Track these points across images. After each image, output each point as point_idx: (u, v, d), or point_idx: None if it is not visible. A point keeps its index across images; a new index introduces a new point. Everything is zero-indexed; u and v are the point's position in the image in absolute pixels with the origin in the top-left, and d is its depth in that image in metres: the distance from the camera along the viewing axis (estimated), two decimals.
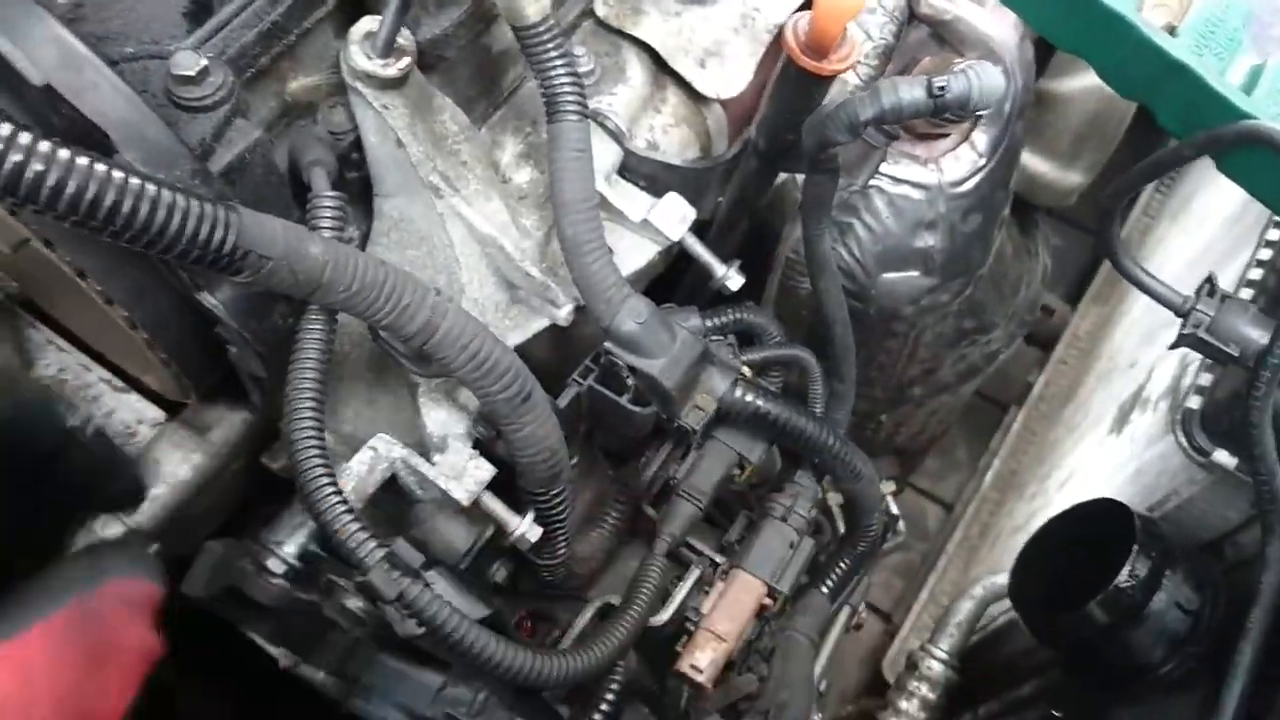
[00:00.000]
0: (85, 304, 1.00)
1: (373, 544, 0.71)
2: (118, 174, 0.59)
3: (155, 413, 0.95)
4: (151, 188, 0.60)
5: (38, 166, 0.56)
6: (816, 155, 0.79)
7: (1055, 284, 2.57)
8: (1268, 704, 0.63)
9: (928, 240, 0.98)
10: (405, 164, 0.85)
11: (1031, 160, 1.22)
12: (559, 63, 0.86)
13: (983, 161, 0.96)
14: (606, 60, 1.04)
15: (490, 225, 0.88)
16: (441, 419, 0.87)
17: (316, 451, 0.73)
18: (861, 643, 2.23)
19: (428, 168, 0.85)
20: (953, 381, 1.32)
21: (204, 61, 0.70)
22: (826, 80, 0.80)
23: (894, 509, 1.54)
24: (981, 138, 0.96)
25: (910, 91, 0.71)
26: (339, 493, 0.72)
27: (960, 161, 0.96)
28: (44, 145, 0.56)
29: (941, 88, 0.70)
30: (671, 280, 1.11)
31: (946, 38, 0.95)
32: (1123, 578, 0.84)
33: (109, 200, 0.58)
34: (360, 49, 0.80)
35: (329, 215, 0.78)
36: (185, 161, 0.68)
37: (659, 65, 1.06)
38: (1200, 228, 1.87)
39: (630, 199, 0.96)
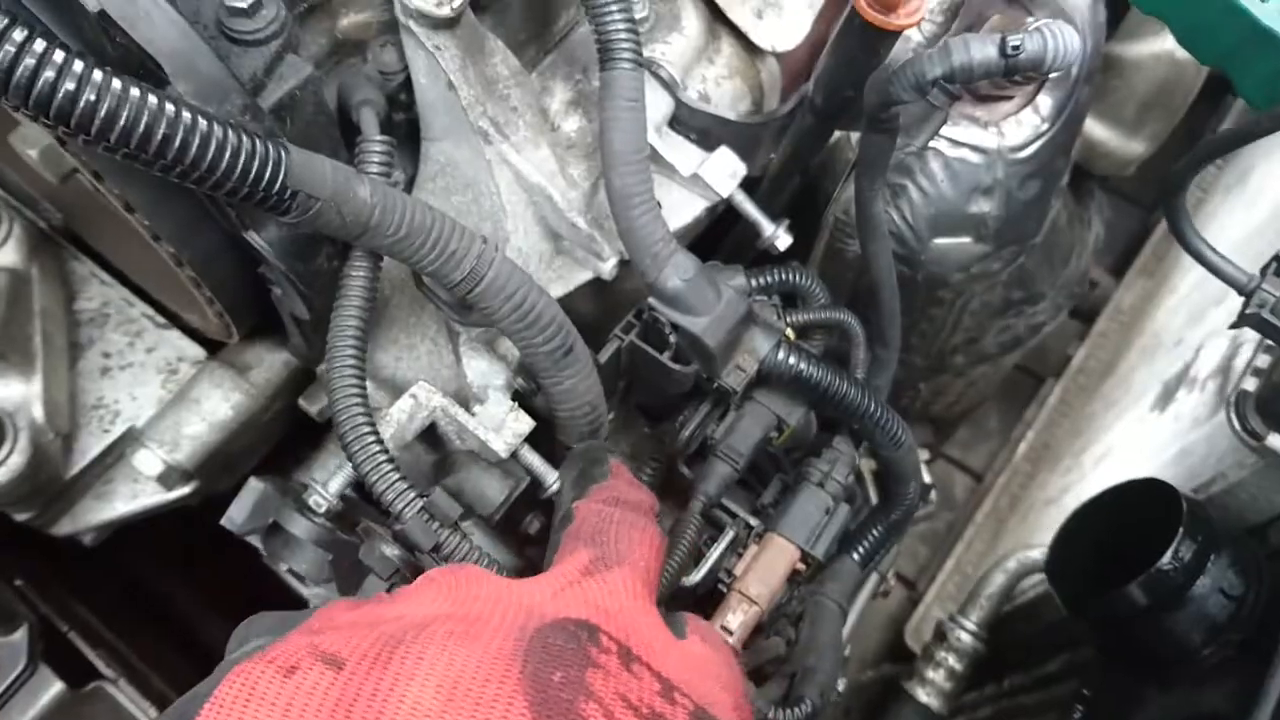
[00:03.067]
0: (130, 239, 0.99)
1: (411, 494, 0.70)
2: (170, 107, 0.57)
3: (196, 350, 0.95)
4: (203, 122, 0.59)
5: (90, 96, 0.55)
6: (877, 114, 0.77)
7: (1100, 256, 2.52)
8: None
9: (983, 206, 0.96)
10: (455, 107, 0.83)
11: (1093, 127, 1.18)
12: (615, 8, 0.84)
13: (1045, 127, 0.92)
14: (661, 7, 1.01)
15: (538, 173, 0.86)
16: (482, 369, 0.86)
17: (357, 398, 0.72)
18: (883, 609, 2.23)
19: (478, 112, 0.83)
20: (995, 352, 1.29)
21: None
22: (892, 35, 0.78)
23: (927, 477, 1.53)
24: (1046, 102, 0.92)
25: (982, 50, 0.68)
26: (379, 440, 0.71)
27: (1022, 126, 0.93)
28: (97, 74, 0.55)
29: (1016, 47, 0.67)
30: (714, 236, 1.10)
31: None
32: (1166, 560, 0.82)
33: (160, 133, 0.57)
34: None
35: (378, 158, 0.77)
36: (236, 96, 0.67)
37: (714, 14, 1.04)
38: (1256, 204, 1.81)
39: (681, 152, 0.93)
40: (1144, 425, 1.46)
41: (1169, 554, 0.82)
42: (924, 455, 1.54)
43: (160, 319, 0.96)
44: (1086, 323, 2.46)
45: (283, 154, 0.63)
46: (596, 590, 0.52)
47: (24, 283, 0.87)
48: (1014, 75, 0.69)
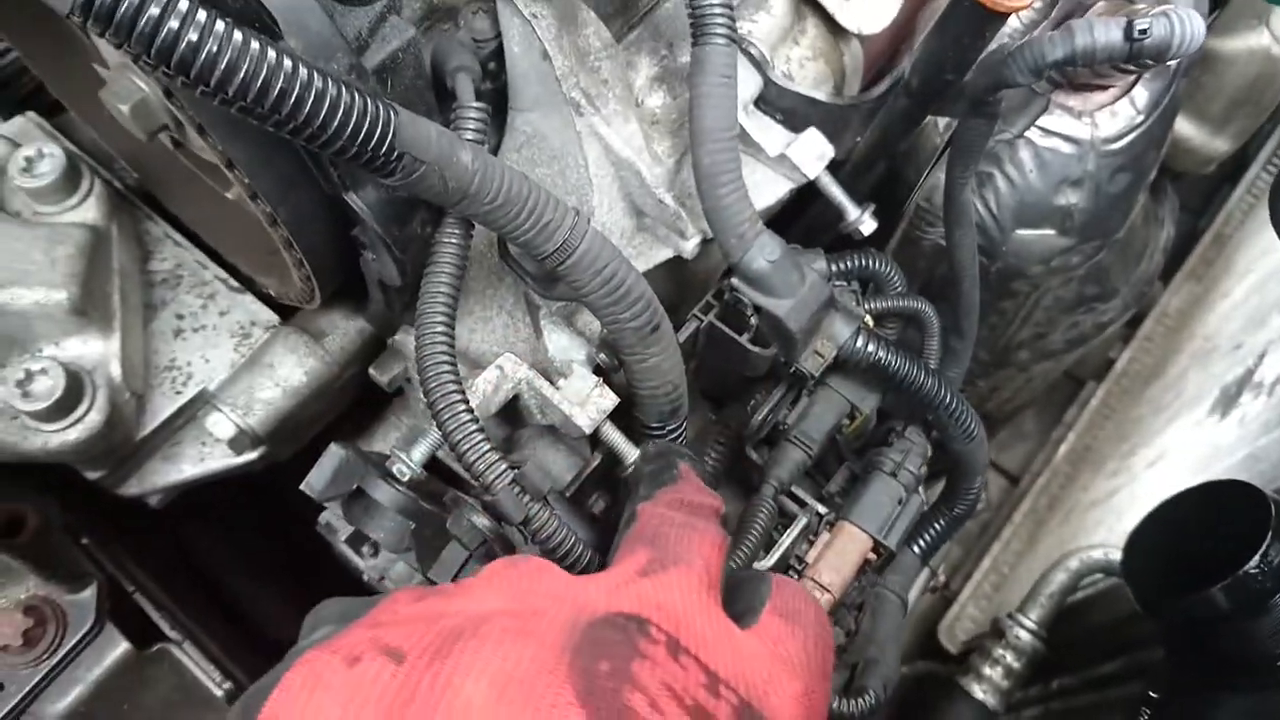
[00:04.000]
0: (206, 200, 0.99)
1: (503, 465, 0.69)
2: (288, 62, 0.56)
3: (269, 315, 0.94)
4: (319, 79, 0.58)
5: (212, 47, 0.54)
6: (984, 97, 0.75)
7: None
8: None
9: (1070, 198, 0.94)
10: (548, 77, 0.82)
11: (1179, 123, 1.16)
12: None
13: (1140, 119, 0.91)
14: None
15: (627, 148, 0.85)
16: (563, 344, 0.85)
17: (448, 366, 0.71)
18: (915, 606, 2.22)
19: (571, 83, 0.82)
20: (1060, 349, 1.28)
21: None
22: (1001, 18, 0.76)
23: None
24: (1142, 94, 0.90)
25: (1107, 33, 0.67)
26: (470, 409, 0.70)
27: (1117, 117, 0.91)
28: (220, 25, 0.54)
29: (1144, 31, 0.65)
30: (788, 217, 1.08)
31: None
32: (1254, 564, 0.81)
33: (278, 88, 0.56)
34: None
35: (474, 125, 0.76)
36: (343, 55, 0.66)
37: None
38: None
39: (768, 132, 0.92)
40: (1202, 430, 1.44)
41: (1257, 557, 0.81)
42: None
43: (234, 282, 0.95)
44: (1130, 327, 2.44)
45: (392, 115, 0.62)
46: (650, 587, 0.52)
47: (104, 240, 0.86)
48: (1138, 60, 0.67)
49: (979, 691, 1.14)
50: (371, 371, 0.95)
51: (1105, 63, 0.68)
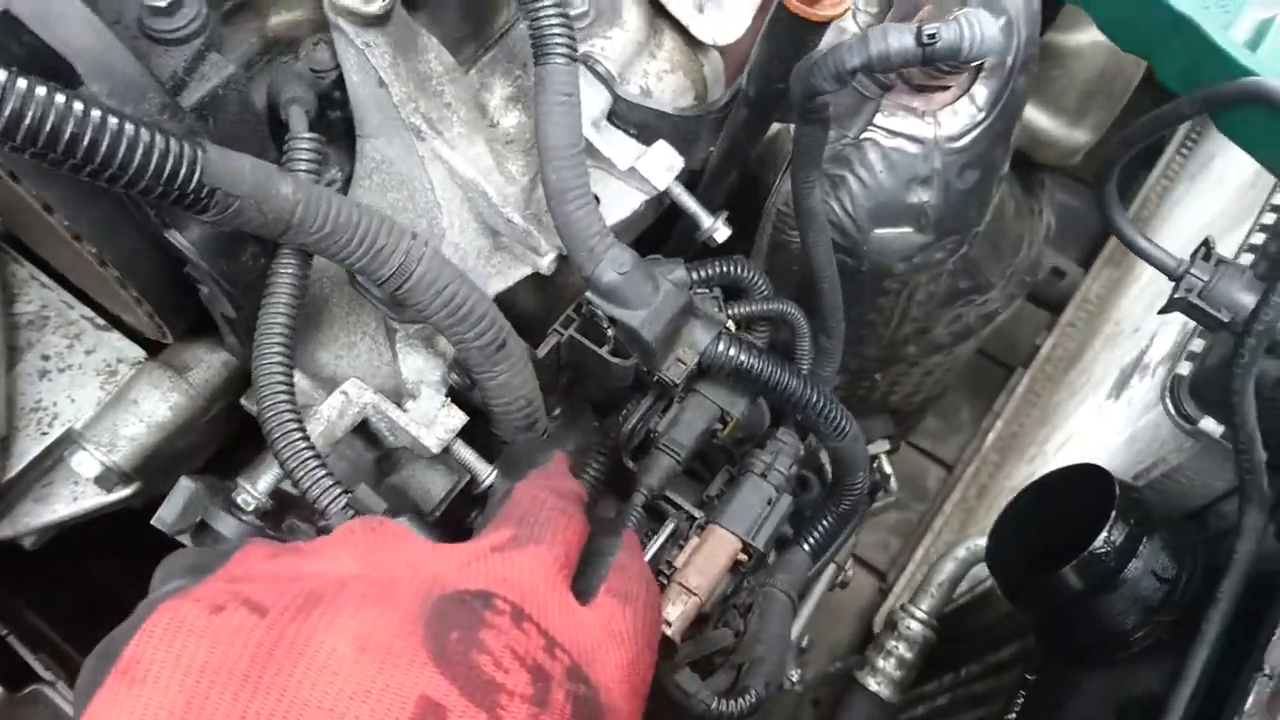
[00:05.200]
0: (63, 240, 0.99)
1: (337, 490, 0.70)
2: (78, 105, 0.57)
3: (136, 351, 0.95)
4: (114, 120, 0.59)
5: None
6: (805, 104, 0.77)
7: (1068, 246, 2.54)
8: (1234, 675, 0.63)
9: (921, 196, 0.96)
10: (387, 104, 0.83)
11: (1036, 116, 1.19)
12: (549, 3, 0.84)
13: (982, 116, 0.93)
14: (602, 2, 1.01)
15: (473, 169, 0.87)
16: (418, 365, 0.87)
17: (283, 395, 0.72)
18: (854, 599, 2.24)
19: (409, 109, 0.83)
20: (947, 342, 1.30)
21: None
22: (819, 26, 0.78)
23: (886, 468, 1.54)
24: (982, 91, 0.93)
25: (900, 39, 0.69)
26: (305, 437, 0.72)
27: (958, 115, 0.93)
28: (0, 73, 0.55)
29: (931, 36, 0.67)
30: (664, 231, 1.10)
31: None
32: (1099, 543, 0.83)
33: (68, 132, 0.57)
34: None
35: (305, 155, 0.77)
36: (155, 95, 0.67)
37: (656, 9, 1.04)
38: (1218, 190, 1.83)
39: (618, 146, 0.94)
40: (1101, 412, 1.47)
41: (1101, 537, 0.83)
42: (884, 446, 1.55)
43: (100, 321, 0.95)
44: (1055, 313, 2.48)
45: (199, 152, 0.63)
46: (500, 565, 0.57)
47: None
48: (933, 64, 0.69)
49: (873, 684, 1.16)
50: (243, 401, 0.96)
51: (903, 66, 0.70)
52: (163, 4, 0.68)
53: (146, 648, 0.45)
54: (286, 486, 0.76)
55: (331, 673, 0.45)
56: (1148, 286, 1.89)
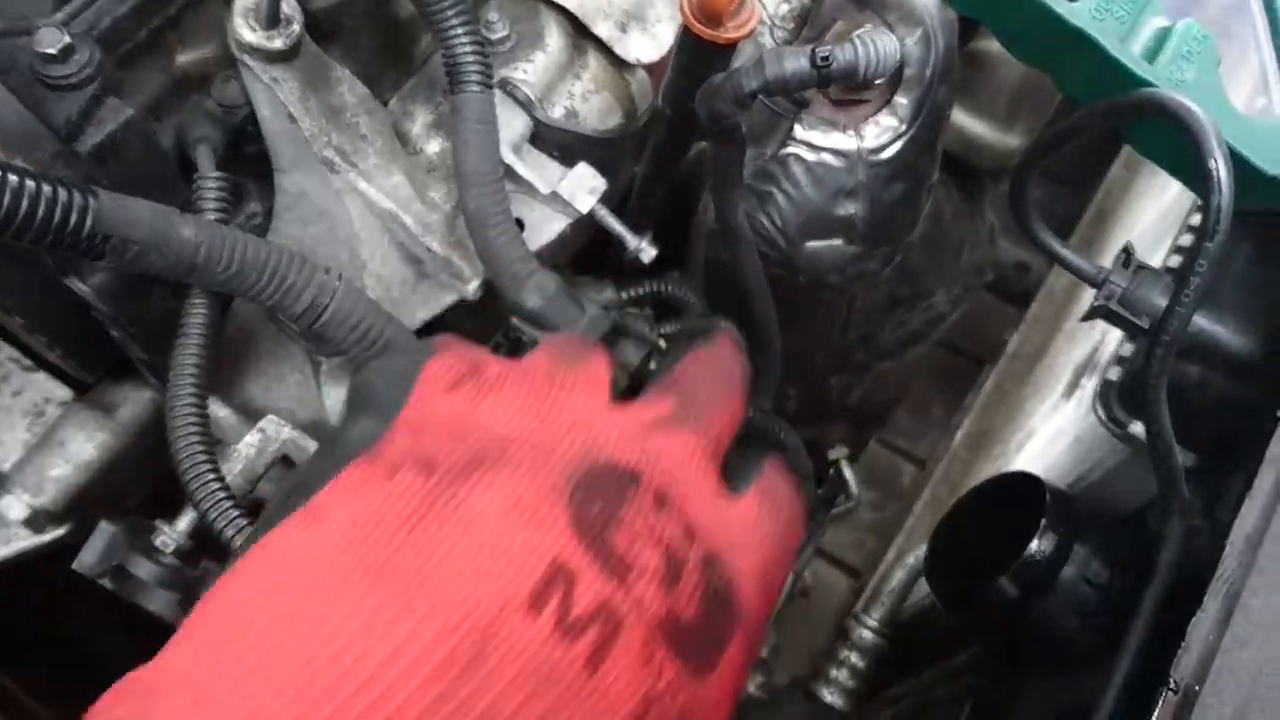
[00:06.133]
0: None
1: (248, 527, 0.70)
2: None
3: (63, 392, 0.94)
4: None
5: None
6: (712, 125, 0.77)
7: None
8: (1157, 680, 0.63)
9: (849, 208, 0.96)
10: (299, 139, 0.83)
11: (968, 122, 1.19)
12: (460, 31, 0.84)
13: (904, 128, 0.93)
14: (523, 26, 1.01)
15: (390, 200, 0.86)
16: (342, 398, 0.86)
17: (197, 436, 0.72)
18: (830, 600, 2.24)
19: (321, 142, 0.83)
20: (895, 348, 1.30)
21: (67, 39, 0.68)
22: (724, 48, 0.78)
23: (846, 473, 1.54)
24: (902, 103, 0.93)
25: (794, 62, 0.69)
26: (219, 477, 0.71)
27: (880, 127, 0.93)
28: None
29: (826, 58, 0.67)
30: (601, 251, 1.10)
31: (865, 0, 0.92)
32: (1031, 549, 0.83)
33: None
34: (245, 21, 0.78)
35: (213, 195, 0.77)
36: (47, 143, 0.67)
37: (579, 30, 1.04)
38: (1167, 189, 1.83)
39: (540, 170, 0.93)
40: (1056, 412, 1.47)
41: (1035, 542, 0.83)
42: (843, 452, 1.55)
43: (26, 362, 0.95)
44: (1021, 308, 2.48)
45: (89, 199, 0.63)
46: (657, 445, 0.59)
47: None
48: (829, 85, 0.69)
49: (827, 694, 1.16)
50: None
51: (801, 88, 0.70)
52: (54, 51, 0.68)
53: (331, 498, 0.52)
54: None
55: (476, 531, 0.50)
56: None
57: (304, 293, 0.74)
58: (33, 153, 0.66)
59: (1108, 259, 1.93)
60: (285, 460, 0.80)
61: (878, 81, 0.81)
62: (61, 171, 0.66)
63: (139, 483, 1.00)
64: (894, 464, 2.55)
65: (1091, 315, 0.82)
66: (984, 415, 2.23)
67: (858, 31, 0.72)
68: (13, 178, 0.59)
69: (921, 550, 1.21)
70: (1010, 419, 2.04)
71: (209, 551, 0.77)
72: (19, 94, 0.67)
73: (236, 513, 0.70)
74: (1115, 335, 1.39)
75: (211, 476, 0.71)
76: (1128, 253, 0.82)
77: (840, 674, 1.16)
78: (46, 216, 0.61)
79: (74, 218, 0.62)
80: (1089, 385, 1.27)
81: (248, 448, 0.79)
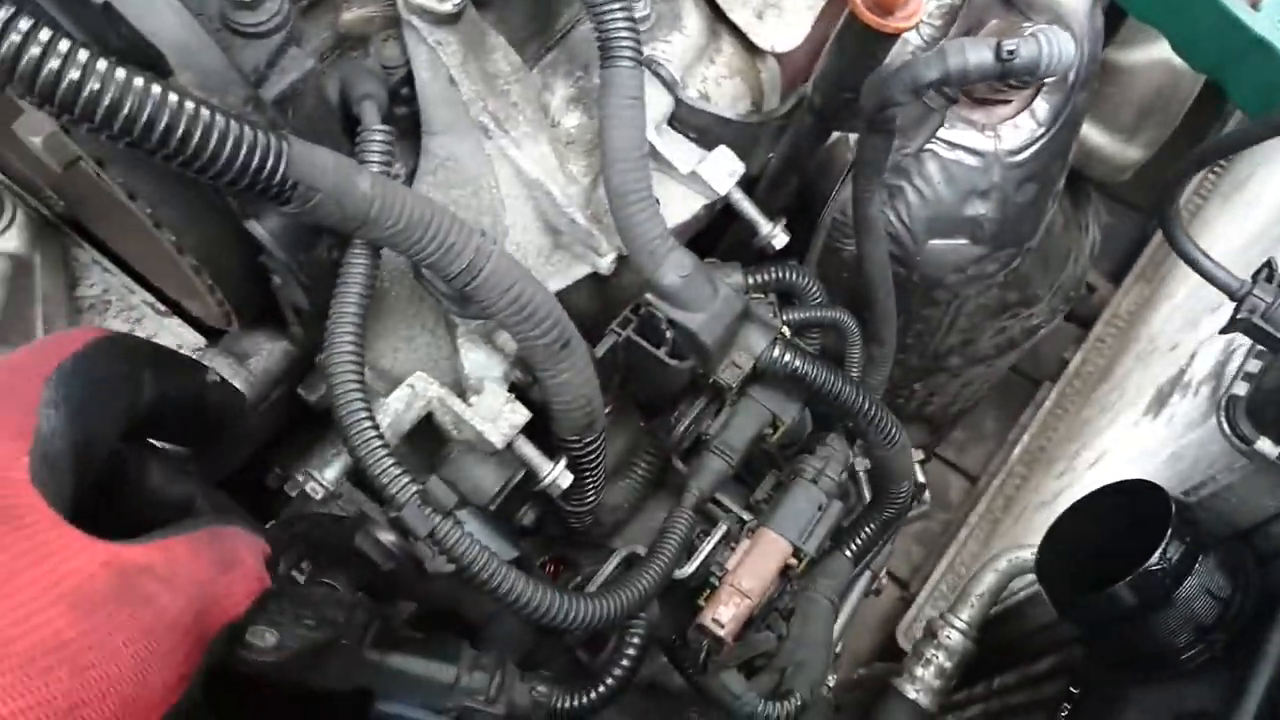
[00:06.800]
0: (131, 226, 1.00)
1: (406, 479, 0.71)
2: (173, 97, 0.58)
3: (195, 338, 0.95)
4: (206, 113, 0.60)
5: (94, 85, 0.55)
6: (875, 115, 0.77)
7: (1099, 261, 2.53)
8: None
9: (979, 209, 0.96)
10: (456, 102, 0.84)
11: (1090, 132, 1.19)
12: (615, 6, 0.85)
13: (1042, 131, 0.93)
14: (663, 7, 1.02)
15: (538, 169, 0.87)
16: (480, 361, 0.87)
17: (355, 386, 0.73)
18: (877, 608, 2.24)
19: (478, 107, 0.84)
20: (990, 354, 1.30)
21: None
22: (889, 38, 0.78)
23: (920, 477, 1.54)
24: (1043, 107, 0.93)
25: (977, 54, 0.69)
26: (375, 428, 0.72)
27: (1019, 130, 0.93)
28: (101, 64, 0.55)
29: (1011, 51, 0.68)
30: (714, 234, 1.10)
31: (1014, 1, 0.92)
32: (1154, 561, 0.83)
33: (163, 123, 0.58)
34: None
35: (378, 150, 0.78)
36: (239, 88, 0.68)
37: (716, 14, 1.04)
38: (1254, 211, 1.82)
39: (680, 150, 0.94)
40: (1137, 429, 1.47)
41: (1157, 554, 0.83)
42: (919, 456, 1.55)
43: (161, 307, 0.96)
44: (1084, 328, 2.47)
45: (284, 145, 0.64)
46: None
47: (26, 268, 0.87)
48: (1009, 79, 0.70)
49: (911, 691, 1.16)
50: (300, 391, 0.97)
51: (980, 80, 0.71)
52: None
53: None
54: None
55: None
56: (1181, 304, 1.88)
57: (462, 254, 0.74)
58: (225, 96, 0.67)
59: (1174, 283, 1.92)
60: (428, 418, 0.81)
61: (1047, 81, 0.81)
62: (252, 117, 0.67)
63: (255, 436, 1.01)
64: (943, 476, 2.54)
65: (1231, 328, 0.82)
66: (1042, 432, 2.23)
67: (1034, 28, 0.72)
68: (219, 119, 0.60)
69: (1014, 554, 1.21)
70: (1072, 437, 2.03)
71: None
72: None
73: (391, 462, 0.71)
74: (1206, 355, 1.39)
75: (369, 426, 0.72)
76: (1271, 268, 0.82)
77: (926, 673, 1.17)
78: (246, 158, 0.62)
79: (270, 161, 0.63)
80: (1183, 402, 1.27)
81: (397, 402, 0.80)
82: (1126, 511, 0.91)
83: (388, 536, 0.73)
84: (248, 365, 0.93)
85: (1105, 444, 1.65)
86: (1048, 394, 2.32)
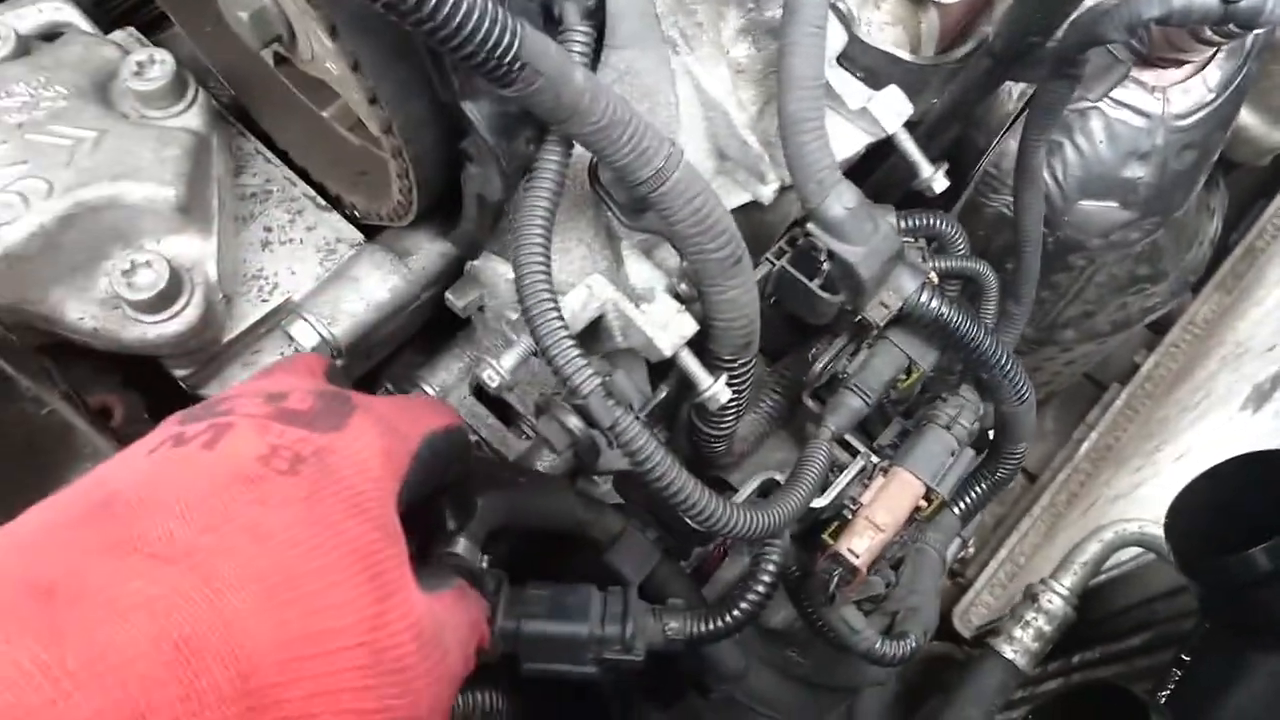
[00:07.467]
0: (300, 118, 1.02)
1: (590, 370, 0.72)
2: None
3: (354, 233, 0.97)
4: None
5: None
6: (1073, 55, 0.77)
7: None
8: None
9: (1137, 172, 0.97)
10: (648, 14, 0.85)
11: (1240, 110, 1.18)
12: None
13: (1212, 97, 0.93)
14: None
15: (720, 88, 0.88)
16: (644, 274, 0.88)
17: (543, 276, 0.74)
18: None
19: (670, 21, 0.85)
20: (1105, 331, 1.30)
21: None
22: None
23: None
24: (1215, 73, 0.93)
25: None
26: (561, 318, 0.73)
27: (1189, 94, 0.93)
28: None
29: None
30: (855, 176, 1.11)
31: None
32: None
33: None
34: None
35: (581, 47, 0.78)
36: None
37: None
38: None
39: (850, 86, 0.95)
40: (1234, 424, 1.47)
41: None
42: None
43: (321, 201, 0.98)
44: (1155, 333, 2.47)
45: (520, 25, 0.65)
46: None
47: (206, 147, 0.89)
48: (1228, 24, 0.70)
49: (1009, 651, 1.17)
50: (448, 295, 0.98)
51: (1198, 23, 0.71)
52: None
53: None
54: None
55: None
56: (1275, 310, 1.88)
57: (654, 160, 0.75)
58: None
59: (1262, 290, 1.91)
60: (598, 321, 0.83)
61: (1250, 40, 0.81)
62: None
63: (397, 337, 1.03)
64: None
65: None
66: (1110, 431, 2.23)
67: None
68: None
69: (1120, 526, 1.22)
70: (1147, 435, 2.03)
71: None
72: None
73: (577, 353, 0.72)
74: None
75: (555, 316, 0.73)
76: None
77: (1025, 635, 1.17)
78: (488, 32, 0.63)
79: (506, 39, 0.64)
80: None
81: (574, 301, 0.81)
82: (1259, 480, 0.91)
83: (575, 421, 0.75)
84: (407, 262, 0.95)
85: (1190, 440, 1.65)
86: (1116, 395, 2.32)
